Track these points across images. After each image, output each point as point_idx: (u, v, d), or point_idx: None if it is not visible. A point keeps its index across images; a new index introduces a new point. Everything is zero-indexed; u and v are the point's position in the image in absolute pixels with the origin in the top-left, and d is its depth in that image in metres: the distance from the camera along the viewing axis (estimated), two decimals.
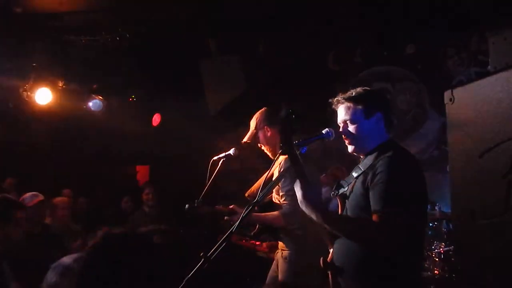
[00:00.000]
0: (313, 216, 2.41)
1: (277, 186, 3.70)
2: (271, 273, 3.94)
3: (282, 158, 3.57)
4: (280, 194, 3.65)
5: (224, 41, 6.44)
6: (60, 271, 3.42)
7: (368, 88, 2.63)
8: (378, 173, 2.36)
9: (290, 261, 3.65)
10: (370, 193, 2.36)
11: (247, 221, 3.69)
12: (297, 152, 2.56)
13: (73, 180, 7.43)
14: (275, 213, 3.64)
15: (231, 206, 3.74)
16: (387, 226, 2.27)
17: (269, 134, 3.79)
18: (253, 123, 3.90)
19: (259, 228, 3.86)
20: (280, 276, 3.73)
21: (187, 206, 3.69)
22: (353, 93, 2.57)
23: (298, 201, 2.45)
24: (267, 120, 3.82)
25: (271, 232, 3.88)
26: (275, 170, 3.70)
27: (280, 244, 3.81)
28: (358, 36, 6.01)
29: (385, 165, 2.36)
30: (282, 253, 3.74)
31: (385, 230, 2.27)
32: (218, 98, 6.46)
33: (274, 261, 3.94)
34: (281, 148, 2.50)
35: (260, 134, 3.84)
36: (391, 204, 2.28)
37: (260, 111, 3.92)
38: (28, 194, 4.94)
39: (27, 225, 4.59)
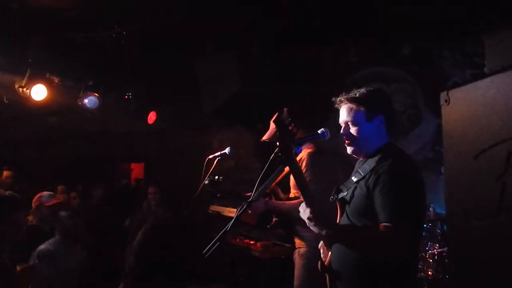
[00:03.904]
0: (322, 233, 2.44)
1: (293, 180, 3.72)
2: None
3: (302, 154, 3.64)
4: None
5: (220, 39, 6.43)
6: (38, 256, 3.65)
7: (372, 89, 2.58)
8: (381, 181, 2.34)
9: (306, 257, 3.72)
10: (375, 202, 2.34)
11: (269, 208, 3.78)
12: (293, 151, 2.56)
13: (68, 176, 7.41)
14: (297, 201, 3.63)
15: (247, 194, 3.74)
16: (394, 238, 2.27)
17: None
18: (273, 123, 3.90)
19: (276, 222, 3.90)
20: (295, 272, 3.79)
21: (207, 181, 3.72)
22: (357, 94, 2.54)
23: (306, 221, 2.46)
24: (287, 120, 3.81)
25: (287, 228, 3.90)
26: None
27: (297, 241, 3.86)
28: (354, 36, 6.01)
29: (387, 173, 2.34)
30: (298, 250, 3.81)
31: (392, 242, 2.27)
32: (213, 96, 6.45)
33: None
34: (282, 160, 2.50)
35: None
36: (397, 216, 2.27)
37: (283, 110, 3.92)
38: (46, 193, 5.00)
39: (40, 223, 4.83)
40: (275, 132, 3.83)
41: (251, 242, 5.64)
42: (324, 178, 3.56)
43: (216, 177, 3.75)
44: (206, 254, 2.21)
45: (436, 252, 4.74)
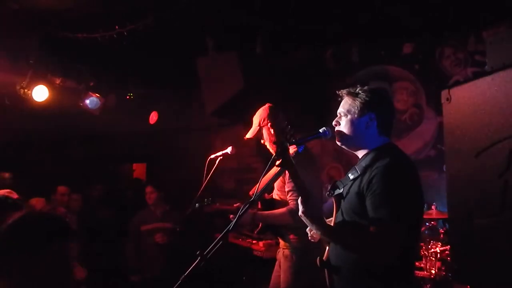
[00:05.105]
0: (313, 229, 2.48)
1: (280, 183, 3.70)
2: (274, 273, 3.93)
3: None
4: (286, 190, 3.62)
5: (221, 38, 6.43)
6: None
7: (374, 88, 2.63)
8: (374, 182, 2.34)
9: (291, 259, 3.66)
10: (367, 202, 2.35)
11: (254, 221, 3.72)
12: (295, 152, 2.56)
13: (69, 177, 7.41)
14: (283, 210, 3.62)
15: (235, 205, 3.73)
16: (385, 240, 2.27)
17: (272, 131, 3.78)
18: (256, 120, 3.88)
19: (262, 226, 3.84)
20: (281, 275, 3.73)
21: (197, 205, 3.69)
22: (356, 89, 2.59)
23: (299, 215, 2.47)
24: (270, 117, 3.80)
25: (274, 230, 3.87)
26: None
27: (282, 242, 3.80)
28: (355, 35, 6.00)
29: (381, 173, 2.34)
30: (283, 251, 3.74)
31: (382, 244, 2.28)
32: (215, 96, 6.46)
33: (277, 262, 3.93)
34: (279, 163, 2.50)
35: (263, 131, 3.83)
36: (386, 219, 2.27)
37: (264, 107, 3.90)
38: (1, 192, 4.82)
39: None
40: (259, 129, 3.84)
41: (254, 241, 5.64)
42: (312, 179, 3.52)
43: (205, 200, 3.73)
44: (209, 254, 2.21)
45: (438, 251, 4.73)
